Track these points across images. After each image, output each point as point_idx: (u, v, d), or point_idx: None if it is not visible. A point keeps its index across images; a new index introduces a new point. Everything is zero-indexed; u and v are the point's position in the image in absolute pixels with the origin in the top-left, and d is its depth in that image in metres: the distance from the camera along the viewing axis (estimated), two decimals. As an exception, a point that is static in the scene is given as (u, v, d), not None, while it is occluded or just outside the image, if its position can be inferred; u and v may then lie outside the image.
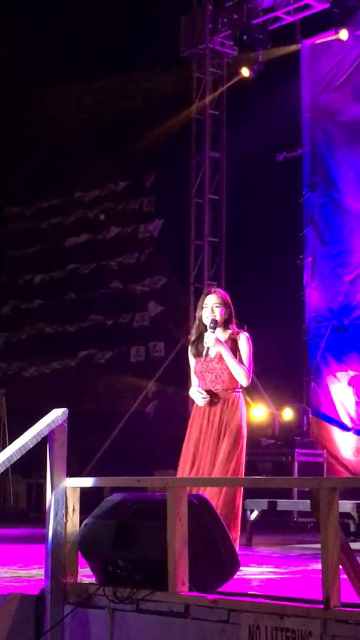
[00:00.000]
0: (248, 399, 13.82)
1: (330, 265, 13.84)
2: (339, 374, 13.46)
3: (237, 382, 6.56)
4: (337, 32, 13.33)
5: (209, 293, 6.72)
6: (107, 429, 14.87)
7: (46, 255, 17.49)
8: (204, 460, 6.41)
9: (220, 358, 6.55)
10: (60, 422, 5.36)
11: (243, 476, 6.53)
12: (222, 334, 6.60)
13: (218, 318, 6.59)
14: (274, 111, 13.73)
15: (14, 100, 16.05)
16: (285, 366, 14.33)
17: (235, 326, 6.68)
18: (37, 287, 17.52)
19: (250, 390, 14.03)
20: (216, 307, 6.61)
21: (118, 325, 16.22)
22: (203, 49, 15.10)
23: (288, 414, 13.40)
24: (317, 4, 13.76)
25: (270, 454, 12.48)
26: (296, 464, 12.13)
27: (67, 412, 5.40)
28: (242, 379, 6.51)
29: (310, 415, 13.47)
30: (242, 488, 6.40)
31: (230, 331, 6.63)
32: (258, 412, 13.50)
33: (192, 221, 15.14)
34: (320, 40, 14.21)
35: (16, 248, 17.90)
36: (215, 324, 6.56)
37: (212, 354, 6.55)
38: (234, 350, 6.56)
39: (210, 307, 6.62)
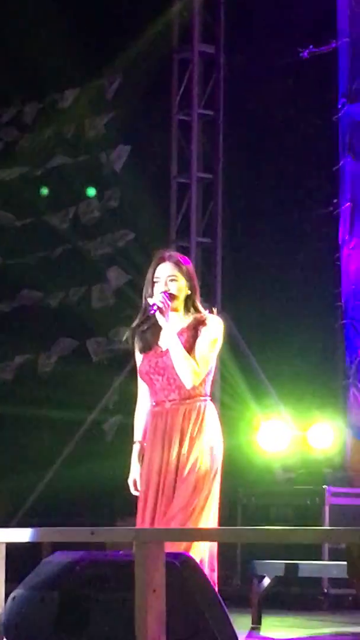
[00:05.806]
0: (260, 414, 13.90)
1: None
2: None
3: (203, 385, 6.64)
4: None
5: (161, 261, 6.80)
6: (47, 457, 14.88)
7: None
8: (161, 503, 6.47)
9: None
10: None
11: (217, 523, 6.56)
12: (180, 320, 6.69)
13: (175, 293, 6.69)
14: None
15: None
16: (313, 365, 14.36)
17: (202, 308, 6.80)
18: None
19: (260, 402, 14.09)
20: (171, 280, 6.73)
21: (67, 306, 16.18)
22: None
23: (316, 435, 13.43)
24: None
25: (289, 495, 12.53)
26: (327, 509, 12.19)
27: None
28: (187, 378, 6.55)
29: (349, 437, 13.52)
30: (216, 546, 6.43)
31: (192, 316, 6.72)
32: (272, 432, 13.53)
33: (172, 148, 15.14)
34: None
35: None
36: (168, 297, 6.63)
37: (163, 345, 6.64)
38: (193, 339, 6.63)
39: (164, 280, 6.72)
